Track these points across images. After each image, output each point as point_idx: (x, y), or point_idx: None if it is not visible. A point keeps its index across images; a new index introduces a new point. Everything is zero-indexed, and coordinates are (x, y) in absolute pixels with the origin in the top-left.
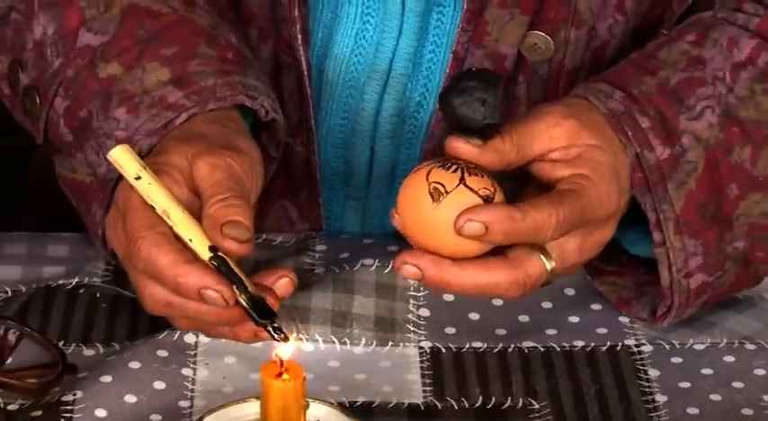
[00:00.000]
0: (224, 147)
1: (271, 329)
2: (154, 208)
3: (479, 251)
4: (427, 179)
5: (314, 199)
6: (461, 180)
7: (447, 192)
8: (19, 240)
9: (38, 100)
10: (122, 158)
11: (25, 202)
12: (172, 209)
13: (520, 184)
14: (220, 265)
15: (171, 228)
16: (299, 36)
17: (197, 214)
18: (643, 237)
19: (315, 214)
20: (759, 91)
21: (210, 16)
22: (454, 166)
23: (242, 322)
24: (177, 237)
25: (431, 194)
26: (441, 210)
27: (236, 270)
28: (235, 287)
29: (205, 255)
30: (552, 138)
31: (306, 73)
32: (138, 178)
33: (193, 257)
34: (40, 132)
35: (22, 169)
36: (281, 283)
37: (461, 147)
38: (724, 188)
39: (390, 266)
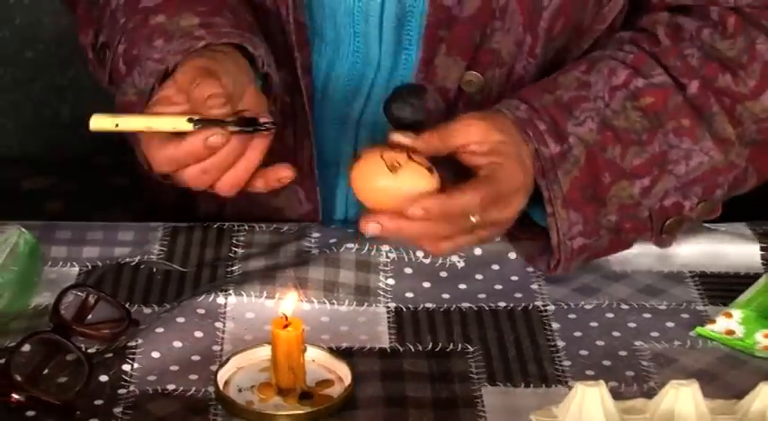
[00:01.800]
0: (206, 61)
1: (257, 127)
2: (143, 132)
3: None
4: (383, 158)
5: (313, 188)
6: (409, 157)
7: (400, 165)
8: (97, 228)
9: (108, 52)
10: (99, 123)
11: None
12: (151, 122)
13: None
14: (200, 121)
15: (160, 132)
16: (300, 71)
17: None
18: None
19: (313, 199)
20: (629, 107)
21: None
22: (398, 150)
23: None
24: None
25: (390, 168)
26: (401, 178)
27: (214, 117)
28: (220, 126)
29: (189, 126)
30: (469, 133)
31: (305, 94)
32: (117, 125)
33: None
34: (106, 74)
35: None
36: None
37: (399, 137)
38: (600, 176)
39: (366, 248)
